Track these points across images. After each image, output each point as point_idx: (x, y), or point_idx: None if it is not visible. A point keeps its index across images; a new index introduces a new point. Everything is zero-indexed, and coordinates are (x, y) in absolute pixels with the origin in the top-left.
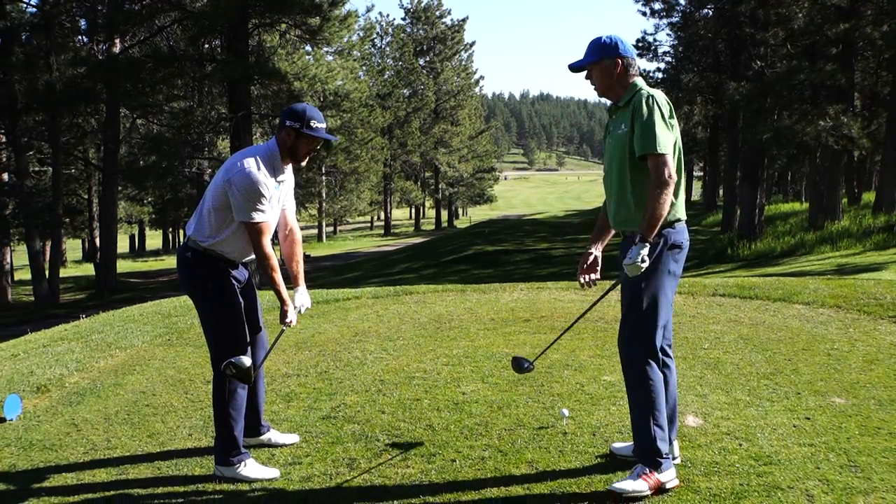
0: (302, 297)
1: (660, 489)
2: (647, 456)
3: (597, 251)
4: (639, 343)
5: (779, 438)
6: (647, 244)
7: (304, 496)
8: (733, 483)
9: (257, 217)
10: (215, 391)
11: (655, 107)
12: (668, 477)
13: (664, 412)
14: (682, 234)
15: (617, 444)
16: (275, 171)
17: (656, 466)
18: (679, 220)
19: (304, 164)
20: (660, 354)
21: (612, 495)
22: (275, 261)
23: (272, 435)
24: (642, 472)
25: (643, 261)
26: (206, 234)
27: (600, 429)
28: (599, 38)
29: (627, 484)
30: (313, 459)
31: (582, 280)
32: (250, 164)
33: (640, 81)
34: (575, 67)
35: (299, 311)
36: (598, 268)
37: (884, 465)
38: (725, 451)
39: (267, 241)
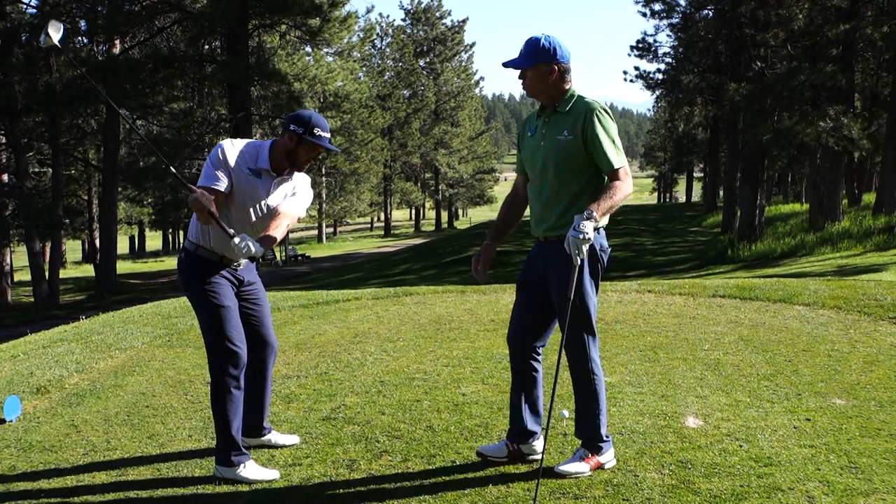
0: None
1: (599, 468)
2: (592, 442)
3: (496, 246)
4: (582, 343)
5: (779, 440)
6: (594, 220)
7: (305, 497)
8: (734, 484)
9: (206, 182)
10: (213, 393)
11: (609, 121)
12: (608, 458)
13: (605, 401)
14: (604, 239)
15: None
16: (251, 162)
17: (599, 451)
18: (605, 224)
19: (303, 169)
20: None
21: (556, 475)
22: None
23: (273, 436)
24: (585, 455)
25: (588, 237)
26: (194, 231)
27: None
28: (538, 40)
29: (572, 466)
30: (313, 461)
31: (479, 276)
32: (227, 140)
33: (575, 88)
34: (510, 67)
35: (246, 251)
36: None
37: (884, 467)
38: (726, 453)
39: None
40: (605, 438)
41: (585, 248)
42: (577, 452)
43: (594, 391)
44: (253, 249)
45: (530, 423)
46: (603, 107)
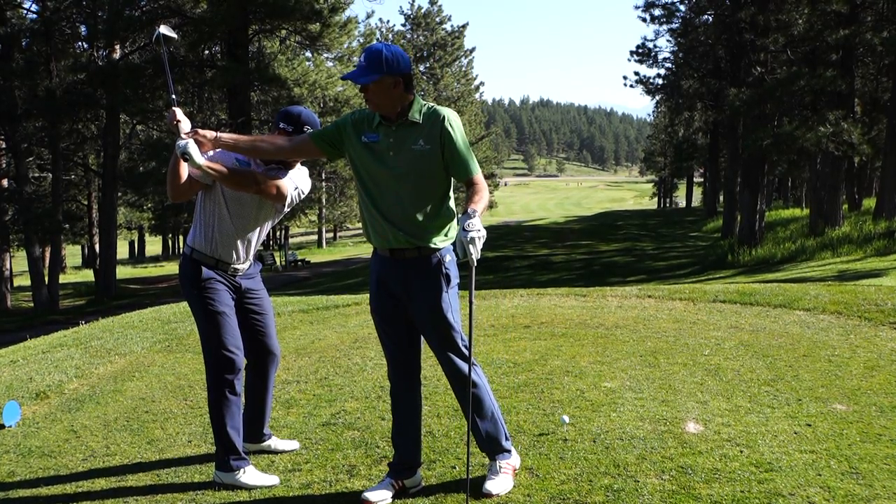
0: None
1: (515, 472)
2: (501, 450)
3: (209, 141)
4: (463, 357)
5: (780, 445)
6: (479, 218)
7: (304, 503)
8: (734, 490)
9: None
10: (210, 398)
11: (462, 128)
12: (516, 460)
13: (497, 405)
14: None
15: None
16: (239, 154)
17: (508, 454)
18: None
19: (293, 167)
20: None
21: (488, 496)
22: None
23: (273, 442)
24: (501, 468)
25: (482, 233)
26: (191, 235)
27: (601, 435)
28: (379, 52)
29: (498, 485)
30: (313, 466)
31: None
32: None
33: (419, 97)
34: (352, 81)
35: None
36: None
37: (885, 472)
38: (726, 458)
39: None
40: (508, 439)
41: (480, 244)
42: (492, 468)
43: (490, 398)
44: (183, 145)
45: (417, 456)
46: (453, 114)
